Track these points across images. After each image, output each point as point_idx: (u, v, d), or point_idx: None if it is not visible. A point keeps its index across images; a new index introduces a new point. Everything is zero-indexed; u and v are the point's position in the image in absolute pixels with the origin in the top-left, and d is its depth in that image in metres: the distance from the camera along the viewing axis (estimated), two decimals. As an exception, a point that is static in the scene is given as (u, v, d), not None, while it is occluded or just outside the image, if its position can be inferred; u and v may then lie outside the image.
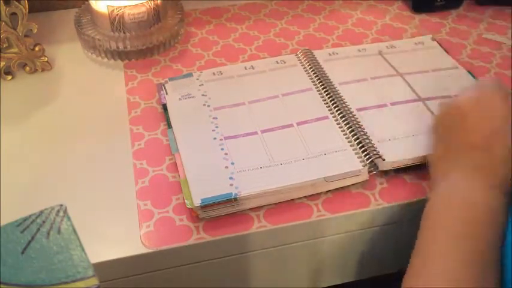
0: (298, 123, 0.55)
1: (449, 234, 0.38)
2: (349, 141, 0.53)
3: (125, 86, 0.64)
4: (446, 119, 0.47)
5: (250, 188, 0.48)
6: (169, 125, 0.56)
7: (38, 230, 0.27)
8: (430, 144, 0.49)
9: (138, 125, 0.58)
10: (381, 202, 0.49)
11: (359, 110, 0.57)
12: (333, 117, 0.56)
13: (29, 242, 0.27)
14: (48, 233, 0.27)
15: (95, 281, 0.26)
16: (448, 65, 0.64)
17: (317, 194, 0.50)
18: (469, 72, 0.63)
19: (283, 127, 0.55)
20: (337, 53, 0.66)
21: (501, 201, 0.40)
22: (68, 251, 0.27)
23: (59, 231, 0.27)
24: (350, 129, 0.54)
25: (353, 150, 0.52)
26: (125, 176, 0.52)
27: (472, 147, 0.43)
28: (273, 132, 0.55)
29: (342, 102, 0.57)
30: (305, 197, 0.50)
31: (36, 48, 0.64)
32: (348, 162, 0.51)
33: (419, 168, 0.51)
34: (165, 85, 0.61)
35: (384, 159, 0.51)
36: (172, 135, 0.55)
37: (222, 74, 0.63)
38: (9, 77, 0.65)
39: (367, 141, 0.53)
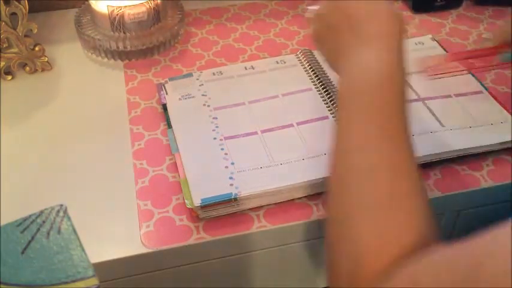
0: (298, 123, 0.55)
1: (353, 108, 0.37)
2: (349, 141, 0.53)
3: (124, 86, 0.64)
4: (324, 19, 0.45)
5: (250, 188, 0.48)
6: (169, 125, 0.56)
7: (38, 230, 0.27)
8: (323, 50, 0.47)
9: (138, 125, 0.58)
10: (381, 202, 0.49)
11: (359, 110, 0.57)
12: (333, 117, 0.56)
13: (29, 242, 0.27)
14: (48, 233, 0.27)
15: (95, 281, 0.26)
16: (448, 65, 0.64)
17: (317, 194, 0.50)
18: (469, 72, 0.63)
19: (283, 127, 0.55)
20: (337, 53, 0.66)
21: (395, 60, 0.38)
22: (68, 251, 0.27)
23: (59, 231, 0.27)
24: (350, 129, 0.54)
25: (353, 150, 0.52)
26: (125, 176, 0.52)
27: (358, 21, 0.41)
28: (273, 132, 0.55)
29: (334, 90, 0.57)
30: (305, 197, 0.50)
31: (36, 48, 0.64)
32: (348, 162, 0.51)
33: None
34: (165, 85, 0.61)
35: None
36: (172, 135, 0.55)
37: (222, 74, 0.63)
38: (9, 77, 0.65)
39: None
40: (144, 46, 0.67)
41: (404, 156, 0.35)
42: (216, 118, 0.56)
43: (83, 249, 0.27)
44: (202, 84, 0.61)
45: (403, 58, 0.39)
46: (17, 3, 0.60)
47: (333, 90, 0.59)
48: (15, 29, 0.62)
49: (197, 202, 0.47)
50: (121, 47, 0.66)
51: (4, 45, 0.63)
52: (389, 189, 0.34)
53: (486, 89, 0.60)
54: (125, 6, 0.64)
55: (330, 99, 0.58)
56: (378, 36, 0.40)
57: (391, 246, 0.31)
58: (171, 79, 0.62)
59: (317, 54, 0.65)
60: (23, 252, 0.26)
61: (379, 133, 0.36)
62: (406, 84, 0.39)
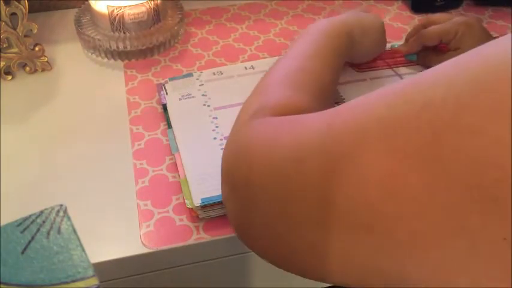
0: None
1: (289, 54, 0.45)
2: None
3: (124, 86, 0.64)
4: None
5: (250, 188, 0.48)
6: (169, 125, 0.56)
7: (38, 230, 0.27)
8: None
9: (138, 125, 0.58)
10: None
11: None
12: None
13: (29, 242, 0.27)
14: (48, 233, 0.27)
15: (95, 281, 0.26)
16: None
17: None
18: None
19: (283, 127, 0.55)
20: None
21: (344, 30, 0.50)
22: (68, 251, 0.27)
23: (59, 231, 0.27)
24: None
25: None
26: (125, 176, 0.52)
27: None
28: (273, 132, 0.55)
29: (341, 101, 0.57)
30: (305, 197, 0.50)
31: (36, 48, 0.64)
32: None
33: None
34: (165, 85, 0.61)
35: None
36: (172, 135, 0.55)
37: (222, 74, 0.63)
38: (9, 77, 0.65)
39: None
40: (144, 46, 0.67)
41: (322, 69, 0.43)
42: (216, 118, 0.56)
43: (83, 249, 0.27)
44: (202, 84, 0.61)
45: (350, 36, 0.51)
46: (17, 3, 0.60)
47: (333, 90, 0.59)
48: (15, 29, 0.62)
49: (197, 202, 0.47)
50: (121, 47, 0.66)
51: (4, 45, 0.63)
52: (286, 71, 0.41)
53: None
54: (125, 6, 0.64)
55: (330, 99, 0.58)
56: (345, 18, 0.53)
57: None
58: (171, 79, 0.62)
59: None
60: (23, 252, 0.26)
61: (312, 53, 0.44)
62: (343, 50, 0.49)
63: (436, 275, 0.23)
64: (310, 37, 0.47)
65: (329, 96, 0.44)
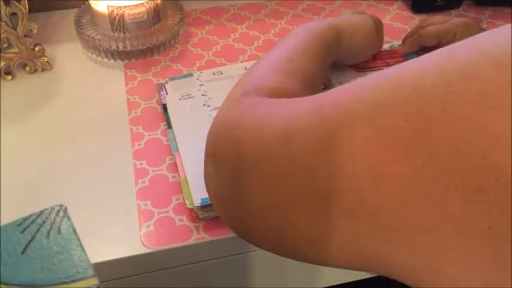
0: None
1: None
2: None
3: (124, 86, 0.64)
4: None
5: (250, 188, 0.48)
6: (169, 125, 0.56)
7: (38, 230, 0.27)
8: None
9: (138, 125, 0.58)
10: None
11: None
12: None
13: (29, 242, 0.27)
14: (48, 233, 0.27)
15: (95, 281, 0.26)
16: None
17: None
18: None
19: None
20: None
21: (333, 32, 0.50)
22: (68, 251, 0.27)
23: (59, 231, 0.27)
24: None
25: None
26: (125, 176, 0.52)
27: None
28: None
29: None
30: (305, 197, 0.50)
31: (36, 48, 0.64)
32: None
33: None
34: (165, 85, 0.61)
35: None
36: (172, 135, 0.55)
37: (222, 74, 0.63)
38: (9, 77, 0.65)
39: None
40: (144, 46, 0.67)
41: (311, 63, 0.43)
42: (216, 118, 0.56)
43: (83, 249, 0.27)
44: (202, 84, 0.61)
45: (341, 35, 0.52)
46: (17, 3, 0.60)
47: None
48: (15, 29, 0.62)
49: (197, 202, 0.47)
50: (121, 47, 0.66)
51: (4, 45, 0.63)
52: (276, 60, 0.41)
53: None
54: (125, 6, 0.64)
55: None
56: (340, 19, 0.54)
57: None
58: (171, 79, 0.62)
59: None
60: (23, 252, 0.26)
61: (300, 47, 0.44)
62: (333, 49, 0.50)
63: (424, 261, 0.23)
64: (299, 35, 0.47)
65: (317, 88, 0.44)
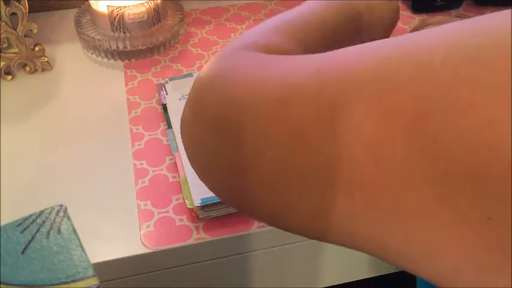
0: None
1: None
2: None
3: (124, 86, 0.64)
4: None
5: (250, 188, 0.48)
6: (169, 125, 0.56)
7: (38, 230, 0.27)
8: None
9: (138, 125, 0.58)
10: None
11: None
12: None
13: (29, 242, 0.27)
14: (48, 233, 0.27)
15: (95, 281, 0.26)
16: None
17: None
18: None
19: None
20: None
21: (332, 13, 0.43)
22: (68, 251, 0.27)
23: (59, 231, 0.27)
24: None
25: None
26: (125, 176, 0.52)
27: None
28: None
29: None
30: (305, 197, 0.50)
31: (36, 48, 0.64)
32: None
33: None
34: (165, 85, 0.61)
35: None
36: (172, 135, 0.55)
37: (222, 74, 0.63)
38: (9, 77, 0.65)
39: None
40: (144, 46, 0.67)
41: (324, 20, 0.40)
42: (216, 118, 0.56)
43: (83, 249, 0.27)
44: (202, 84, 0.61)
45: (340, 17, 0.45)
46: (17, 3, 0.60)
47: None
48: (15, 29, 0.62)
49: (197, 202, 0.47)
50: (121, 47, 0.66)
51: (4, 45, 0.63)
52: (286, 17, 0.38)
53: None
54: (125, 6, 0.64)
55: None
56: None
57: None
58: (171, 79, 0.62)
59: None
60: (23, 252, 0.26)
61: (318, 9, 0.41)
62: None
63: (419, 244, 0.22)
64: (309, 4, 0.44)
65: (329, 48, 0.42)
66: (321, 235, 0.26)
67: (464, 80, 0.20)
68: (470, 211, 0.20)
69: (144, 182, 0.51)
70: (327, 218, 0.25)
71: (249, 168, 0.27)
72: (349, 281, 0.58)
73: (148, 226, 0.47)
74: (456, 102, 0.20)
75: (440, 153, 0.20)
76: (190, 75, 0.62)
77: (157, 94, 0.61)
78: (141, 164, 0.53)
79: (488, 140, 0.19)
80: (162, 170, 0.53)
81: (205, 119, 0.29)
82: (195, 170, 0.32)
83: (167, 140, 0.55)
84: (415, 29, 0.63)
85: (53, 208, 0.28)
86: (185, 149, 0.32)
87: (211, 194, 0.47)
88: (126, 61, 0.67)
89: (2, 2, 0.60)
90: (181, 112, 0.60)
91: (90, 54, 0.68)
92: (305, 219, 0.26)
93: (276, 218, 0.28)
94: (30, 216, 0.28)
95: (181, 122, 0.32)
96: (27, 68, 0.65)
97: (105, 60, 0.68)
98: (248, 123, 0.26)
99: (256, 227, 0.47)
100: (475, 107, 0.19)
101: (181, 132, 0.32)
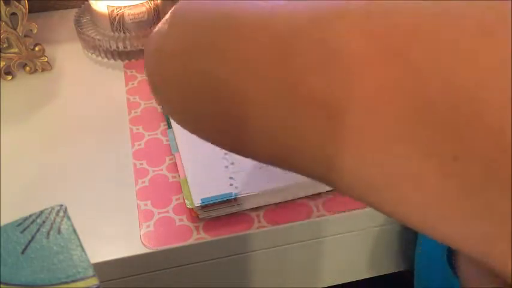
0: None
1: None
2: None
3: (124, 86, 0.64)
4: None
5: (250, 187, 0.48)
6: (169, 125, 0.56)
7: (38, 230, 0.27)
8: None
9: (138, 125, 0.58)
10: (381, 202, 0.49)
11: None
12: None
13: (29, 242, 0.27)
14: (48, 233, 0.27)
15: (95, 281, 0.26)
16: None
17: (317, 194, 0.50)
18: None
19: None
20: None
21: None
22: (68, 251, 0.27)
23: (59, 231, 0.27)
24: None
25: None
26: (124, 176, 0.52)
27: None
28: (273, 132, 0.55)
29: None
30: (305, 197, 0.50)
31: (36, 48, 0.64)
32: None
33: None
34: (165, 85, 0.61)
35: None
36: (172, 135, 0.55)
37: (222, 74, 0.63)
38: (9, 77, 0.65)
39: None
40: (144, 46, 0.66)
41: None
42: (216, 118, 0.56)
43: (83, 249, 0.27)
44: (202, 84, 0.61)
45: None
46: (17, 3, 0.60)
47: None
48: (15, 29, 0.62)
49: (197, 202, 0.47)
50: (121, 47, 0.66)
51: (4, 45, 0.63)
52: None
53: None
54: (125, 6, 0.64)
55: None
56: None
57: None
58: (171, 79, 0.62)
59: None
60: (23, 252, 0.26)
61: None
62: None
63: (381, 177, 0.21)
64: None
65: None
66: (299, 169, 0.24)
67: (450, 13, 0.18)
68: (436, 149, 0.19)
69: (144, 182, 0.51)
70: (302, 148, 0.23)
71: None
72: (349, 281, 0.58)
73: (148, 226, 0.47)
74: (441, 37, 0.18)
75: (419, 84, 0.19)
76: (190, 75, 0.62)
77: (157, 94, 0.61)
78: (141, 164, 0.53)
79: (464, 81, 0.17)
80: (162, 170, 0.53)
81: (186, 32, 0.26)
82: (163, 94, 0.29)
83: (167, 140, 0.55)
84: None
85: (53, 208, 0.28)
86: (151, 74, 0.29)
87: (211, 194, 0.47)
88: (126, 61, 0.67)
89: (2, 2, 0.60)
90: (181, 112, 0.60)
91: (90, 54, 0.68)
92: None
93: (281, 149, 0.25)
94: (30, 216, 0.28)
95: (161, 34, 0.28)
96: (27, 68, 0.65)
97: (105, 60, 0.68)
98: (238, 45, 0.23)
99: (256, 227, 0.47)
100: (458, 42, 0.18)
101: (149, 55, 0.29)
